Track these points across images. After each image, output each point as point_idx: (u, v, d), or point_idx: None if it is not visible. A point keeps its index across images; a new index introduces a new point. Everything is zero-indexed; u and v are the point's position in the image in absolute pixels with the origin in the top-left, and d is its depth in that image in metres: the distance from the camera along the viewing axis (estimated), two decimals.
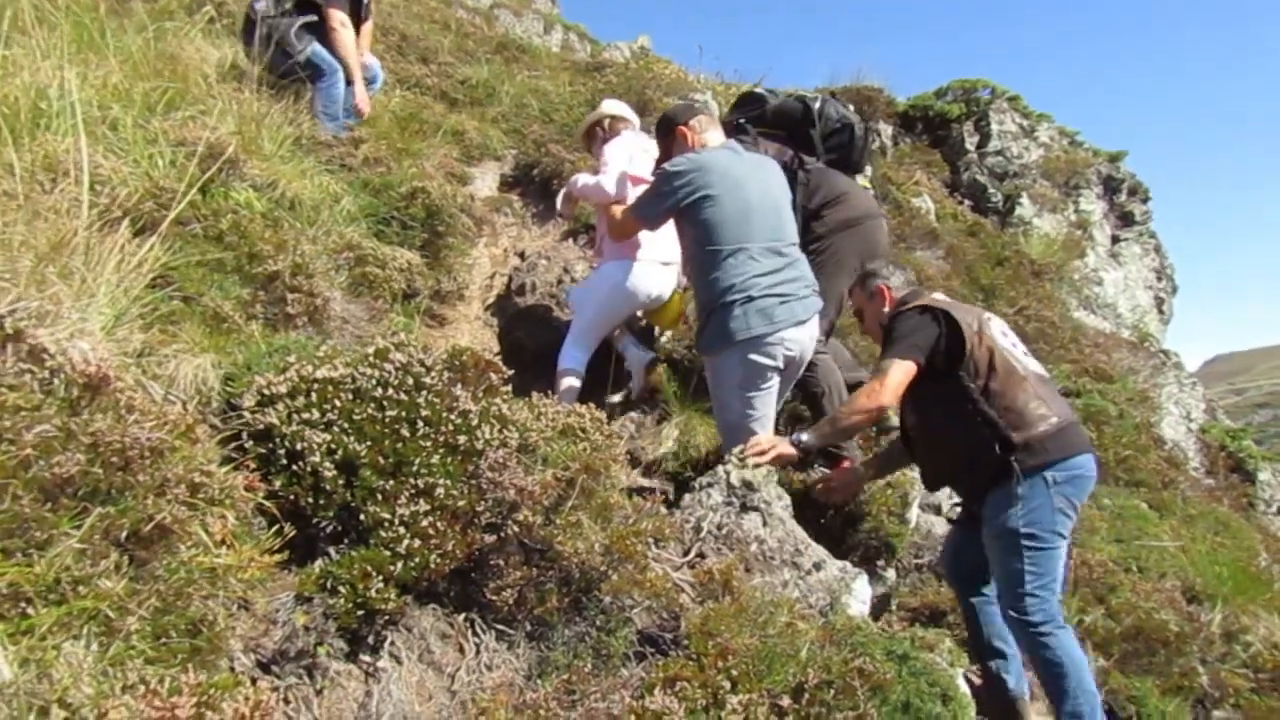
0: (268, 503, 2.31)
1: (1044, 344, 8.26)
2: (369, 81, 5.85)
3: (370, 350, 2.63)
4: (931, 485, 3.70)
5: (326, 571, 2.26)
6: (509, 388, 2.86)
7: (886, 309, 3.58)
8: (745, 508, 3.03)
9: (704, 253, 3.56)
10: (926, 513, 4.38)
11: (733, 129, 4.54)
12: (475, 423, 2.54)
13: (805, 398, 4.21)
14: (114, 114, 3.52)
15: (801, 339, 3.58)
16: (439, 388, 2.58)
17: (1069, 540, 3.24)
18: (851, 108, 4.77)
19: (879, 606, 3.86)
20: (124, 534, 1.88)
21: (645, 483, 4.05)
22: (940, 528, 4.30)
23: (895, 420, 3.82)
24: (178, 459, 2.05)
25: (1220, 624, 4.35)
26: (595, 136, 4.81)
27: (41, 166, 2.87)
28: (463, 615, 2.45)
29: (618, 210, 4.05)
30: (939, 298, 3.52)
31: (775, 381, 3.58)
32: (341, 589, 2.21)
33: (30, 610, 1.67)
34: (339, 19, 5.42)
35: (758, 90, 4.74)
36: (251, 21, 5.16)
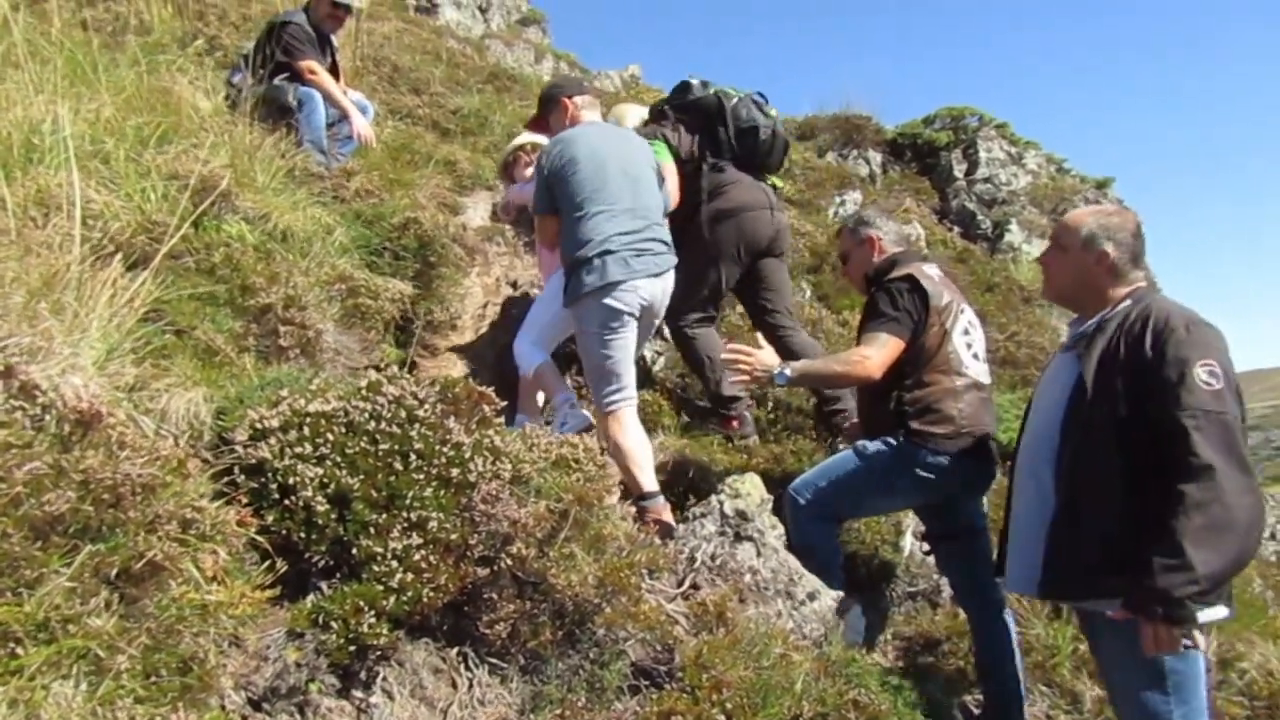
0: (260, 538, 2.30)
1: (1035, 369, 8.28)
2: (360, 111, 5.92)
3: (363, 383, 2.64)
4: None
5: (318, 607, 2.25)
6: (501, 419, 2.86)
7: (875, 259, 3.65)
8: (739, 537, 3.03)
9: (569, 215, 3.75)
10: (921, 540, 4.37)
11: (658, 113, 4.81)
12: (468, 455, 2.54)
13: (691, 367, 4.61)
14: (107, 148, 3.53)
15: (654, 290, 3.74)
16: (432, 420, 2.58)
17: (893, 507, 3.65)
18: (776, 112, 4.84)
19: (873, 636, 3.85)
20: (114, 571, 1.87)
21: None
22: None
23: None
24: (169, 495, 2.05)
25: (1215, 651, 4.34)
26: (519, 162, 5.10)
27: (34, 201, 2.88)
28: (455, 649, 2.43)
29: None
30: (929, 271, 3.53)
31: (632, 326, 3.70)
32: (333, 624, 2.19)
33: (19, 650, 1.66)
34: (309, 67, 5.58)
35: (691, 80, 4.86)
36: (236, 89, 5.23)
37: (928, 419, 3.31)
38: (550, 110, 4.17)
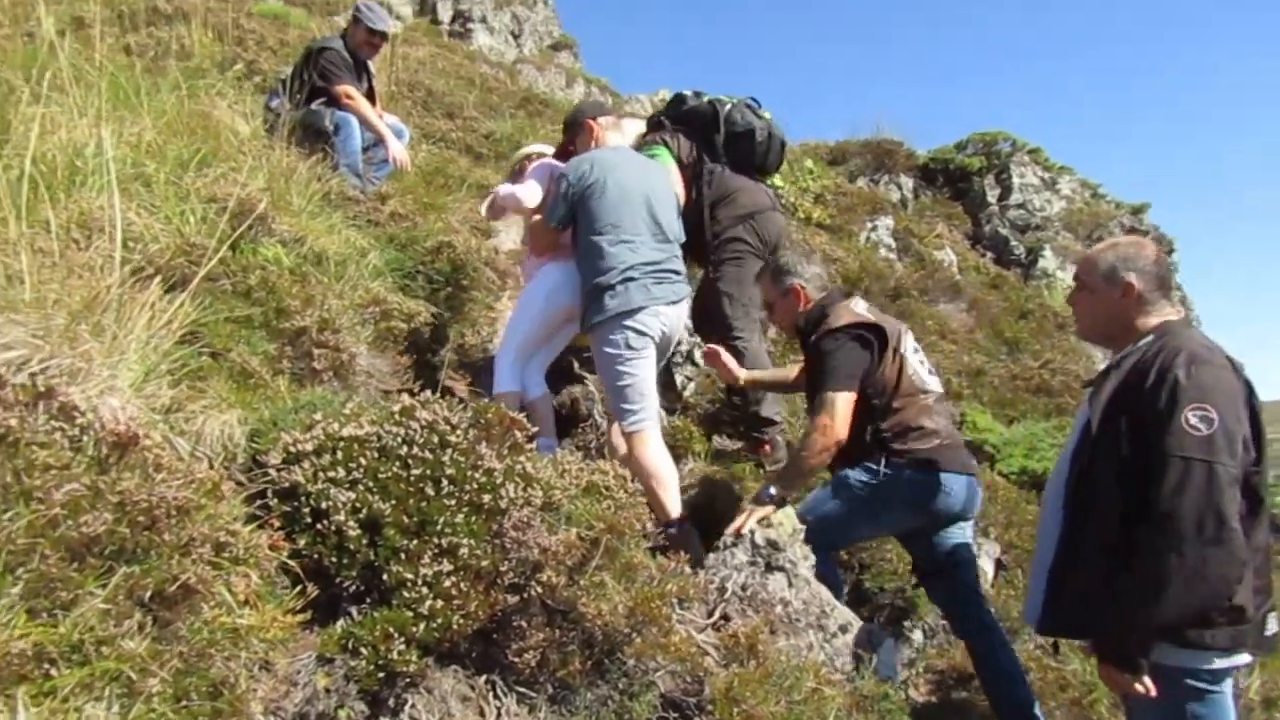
0: (291, 562, 2.30)
1: (1069, 397, 8.19)
2: (396, 135, 5.99)
3: (396, 408, 2.64)
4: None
5: (348, 632, 2.24)
6: (533, 445, 2.85)
7: (801, 308, 3.66)
8: (770, 568, 3.00)
9: (590, 240, 3.80)
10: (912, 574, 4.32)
11: (655, 123, 5.03)
12: (499, 481, 2.53)
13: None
14: (148, 171, 3.58)
15: (671, 317, 3.81)
16: (464, 445, 2.58)
17: (879, 533, 3.61)
18: (767, 115, 4.98)
19: (906, 669, 3.79)
20: (148, 594, 1.87)
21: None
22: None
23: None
24: (203, 517, 2.05)
25: (1259, 690, 4.24)
26: (524, 171, 5.08)
27: (76, 223, 2.91)
28: (484, 677, 2.41)
29: (536, 221, 4.23)
30: (860, 310, 3.54)
31: (653, 349, 3.76)
32: (363, 650, 2.18)
33: (54, 671, 1.66)
34: (345, 92, 5.66)
35: (685, 93, 5.02)
36: (275, 114, 5.31)
37: (909, 439, 3.36)
38: (576, 133, 4.28)
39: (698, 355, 5.68)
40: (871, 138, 12.81)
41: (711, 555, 3.08)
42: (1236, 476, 2.31)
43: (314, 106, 5.51)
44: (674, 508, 3.49)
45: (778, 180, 9.25)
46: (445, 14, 16.08)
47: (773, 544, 3.03)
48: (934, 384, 3.54)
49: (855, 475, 3.40)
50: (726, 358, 4.03)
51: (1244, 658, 2.45)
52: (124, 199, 3.07)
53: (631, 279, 3.69)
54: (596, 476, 2.87)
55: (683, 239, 4.10)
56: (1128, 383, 2.56)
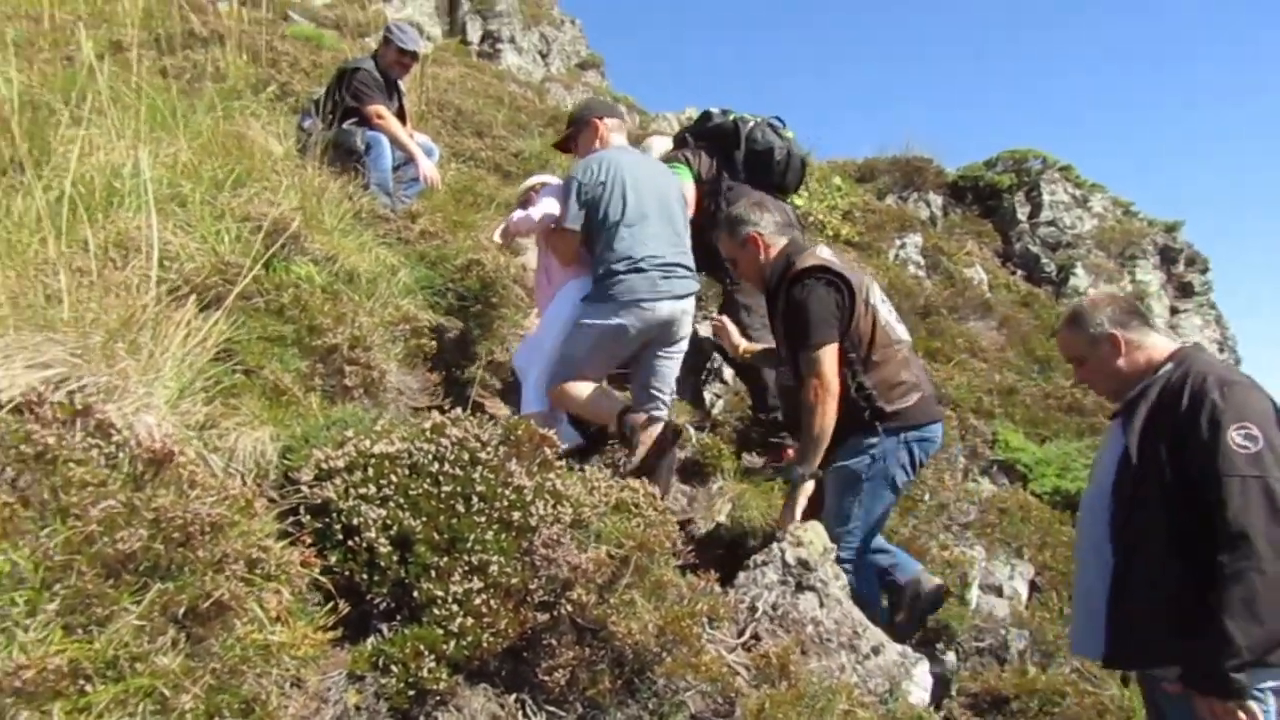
0: (322, 578, 2.31)
1: (1103, 416, 8.08)
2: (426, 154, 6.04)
3: (427, 425, 2.64)
4: (794, 433, 4.00)
5: (379, 650, 2.24)
6: (563, 462, 2.85)
7: (763, 258, 3.63)
8: (801, 587, 2.97)
9: (601, 233, 3.84)
10: (987, 594, 4.27)
11: (680, 140, 5.15)
12: (529, 498, 2.52)
13: None
14: (183, 191, 3.63)
15: (675, 310, 3.83)
16: (494, 463, 2.58)
17: (896, 497, 3.59)
18: (792, 134, 5.05)
19: (939, 692, 3.73)
20: (182, 610, 1.88)
21: None
22: (1002, 609, 4.17)
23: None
24: (236, 534, 2.06)
25: None
26: (530, 201, 5.08)
27: (114, 243, 2.96)
28: (514, 696, 2.40)
29: (555, 230, 4.20)
30: (825, 255, 3.51)
31: (631, 349, 3.87)
32: (394, 668, 2.18)
33: (89, 687, 1.67)
34: (376, 111, 5.72)
35: (713, 110, 5.11)
36: (307, 133, 5.37)
37: (895, 395, 3.39)
38: (580, 130, 4.29)
39: (727, 373, 5.67)
40: (900, 155, 12.77)
41: (742, 574, 3.06)
42: None
43: (345, 126, 5.57)
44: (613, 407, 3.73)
45: (800, 200, 9.26)
46: (474, 34, 16.27)
47: (803, 563, 3.00)
48: (904, 333, 3.58)
49: (853, 463, 3.41)
50: (731, 328, 4.12)
51: None
52: (160, 219, 3.11)
53: (640, 270, 3.73)
54: (626, 494, 2.86)
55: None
56: (1161, 406, 2.58)
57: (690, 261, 3.97)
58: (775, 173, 4.94)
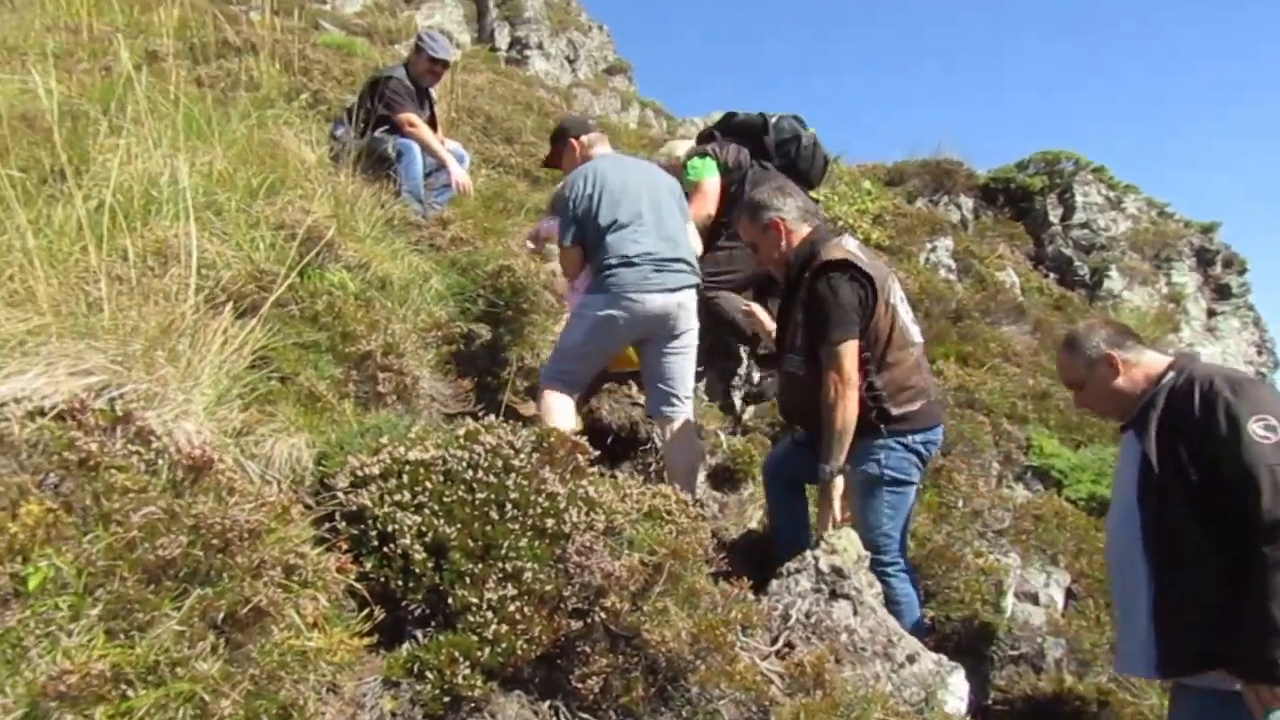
0: (358, 584, 2.32)
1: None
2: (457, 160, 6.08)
3: (461, 432, 2.65)
4: (789, 419, 3.96)
5: (414, 656, 2.25)
6: (595, 468, 2.85)
7: (784, 244, 3.59)
8: (835, 595, 2.95)
9: (597, 236, 3.88)
10: (1023, 601, 4.22)
11: (705, 136, 5.28)
12: (563, 505, 2.53)
13: None
14: (219, 199, 3.67)
15: (669, 304, 3.84)
16: (527, 469, 2.58)
17: (916, 485, 3.56)
18: (812, 130, 5.22)
19: (975, 701, 3.69)
20: (221, 616, 1.90)
21: None
22: (1038, 617, 4.12)
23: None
24: (274, 540, 2.08)
25: None
26: None
27: (153, 251, 3.00)
28: (547, 702, 2.40)
29: (560, 250, 4.27)
30: (851, 248, 3.49)
31: (620, 342, 3.93)
32: (429, 674, 2.19)
33: (130, 692, 1.69)
34: (408, 119, 5.77)
35: (735, 111, 5.29)
36: (340, 141, 5.42)
37: (903, 398, 3.38)
38: (562, 150, 4.41)
39: (756, 376, 5.65)
40: (930, 158, 12.67)
41: (775, 582, 3.04)
42: None
43: (377, 134, 5.61)
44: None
45: (829, 203, 9.26)
46: (503, 41, 16.36)
47: (837, 570, 2.98)
48: (918, 336, 3.57)
49: (866, 467, 3.41)
50: (761, 313, 4.16)
51: None
52: (197, 227, 3.15)
53: (631, 264, 3.77)
54: (658, 501, 2.86)
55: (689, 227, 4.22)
56: (1172, 410, 2.64)
57: (689, 255, 4.01)
58: (803, 159, 5.10)
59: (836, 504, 3.43)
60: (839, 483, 3.44)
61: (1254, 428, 2.43)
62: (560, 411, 3.79)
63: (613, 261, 3.79)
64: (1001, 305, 9.13)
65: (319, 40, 10.03)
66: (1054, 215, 11.89)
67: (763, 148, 5.06)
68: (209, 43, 6.23)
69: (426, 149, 5.77)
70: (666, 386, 3.95)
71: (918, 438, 3.42)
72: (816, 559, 3.04)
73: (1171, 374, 2.72)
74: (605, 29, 19.12)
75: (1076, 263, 11.24)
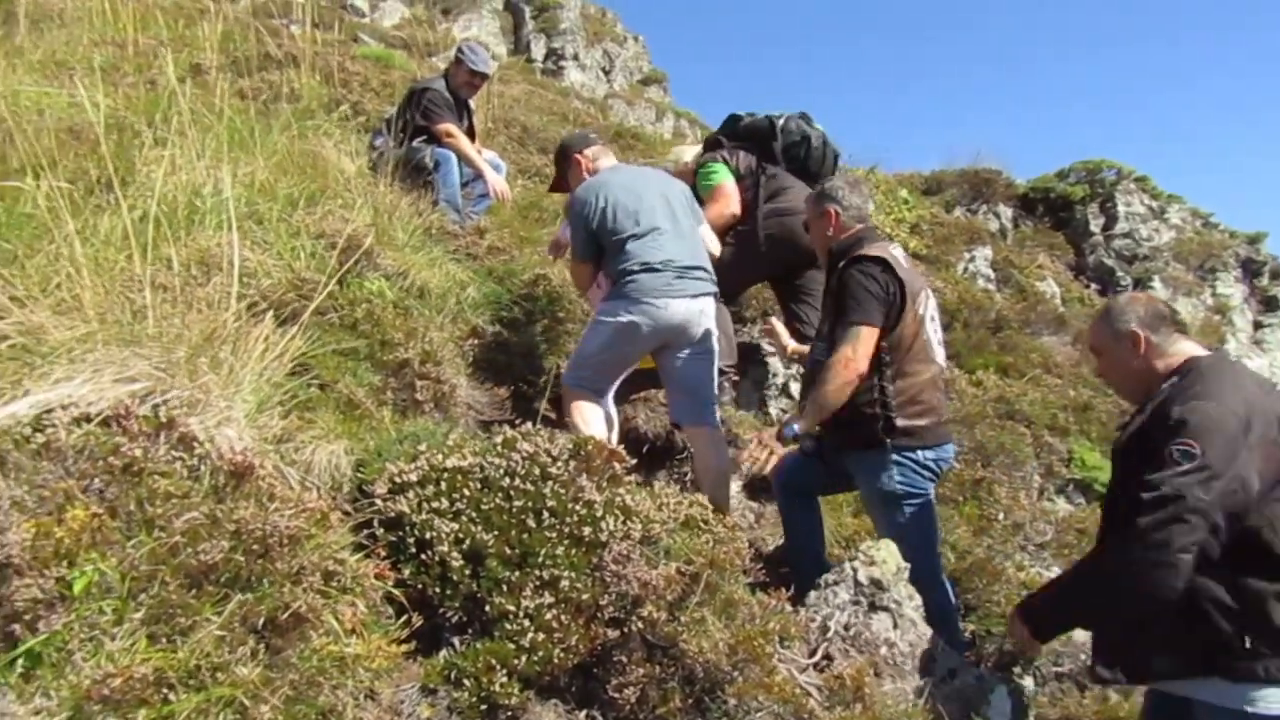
0: (396, 591, 2.33)
1: None
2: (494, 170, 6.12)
3: (498, 439, 2.66)
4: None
5: (451, 663, 2.25)
6: (632, 477, 2.84)
7: (830, 233, 3.62)
8: (874, 607, 2.91)
9: (614, 244, 3.84)
10: None
11: (713, 143, 5.25)
12: (599, 514, 2.52)
13: None
14: (260, 209, 3.72)
15: (690, 311, 3.80)
16: (564, 478, 2.58)
17: (930, 497, 3.49)
18: (820, 128, 5.19)
19: (1017, 717, 3.63)
20: (261, 621, 1.91)
21: None
22: (1080, 634, 4.03)
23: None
24: (313, 546, 2.09)
25: None
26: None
27: (196, 260, 3.04)
28: (584, 712, 2.39)
29: (572, 263, 4.27)
30: (896, 253, 3.48)
31: (643, 347, 3.85)
32: (466, 682, 2.19)
33: (172, 696, 1.70)
34: (446, 130, 5.81)
35: (740, 114, 5.26)
36: (379, 152, 5.47)
37: (911, 411, 3.33)
38: (567, 168, 4.36)
39: (794, 388, 5.61)
40: (969, 166, 12.55)
41: (812, 593, 3.01)
42: (1205, 511, 2.28)
43: (415, 144, 5.66)
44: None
45: (870, 212, 9.19)
46: (539, 52, 16.47)
47: (876, 582, 2.94)
48: (941, 358, 3.53)
49: (880, 483, 3.38)
50: (780, 330, 4.15)
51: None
52: (239, 236, 3.18)
53: (654, 270, 3.75)
54: (695, 510, 2.85)
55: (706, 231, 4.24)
56: (1147, 424, 2.56)
57: (706, 264, 4.00)
58: (813, 159, 5.09)
59: (770, 462, 3.40)
60: (789, 448, 3.49)
61: (1173, 449, 2.37)
62: (591, 417, 3.77)
63: (634, 268, 3.76)
64: (1042, 316, 9.00)
65: (357, 53, 10.15)
66: (1095, 225, 11.72)
67: (770, 152, 5.06)
68: (251, 56, 6.33)
69: (464, 158, 5.81)
70: (692, 394, 3.93)
71: (928, 454, 3.37)
72: (855, 570, 3.00)
73: (1175, 378, 2.60)
74: (641, 39, 19.19)
75: (1119, 273, 11.07)
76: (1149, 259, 11.13)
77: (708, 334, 3.90)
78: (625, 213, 3.84)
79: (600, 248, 3.91)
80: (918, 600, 3.02)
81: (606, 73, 17.16)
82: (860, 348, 3.27)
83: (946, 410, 3.54)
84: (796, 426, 3.38)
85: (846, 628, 2.85)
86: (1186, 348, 2.69)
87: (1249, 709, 2.31)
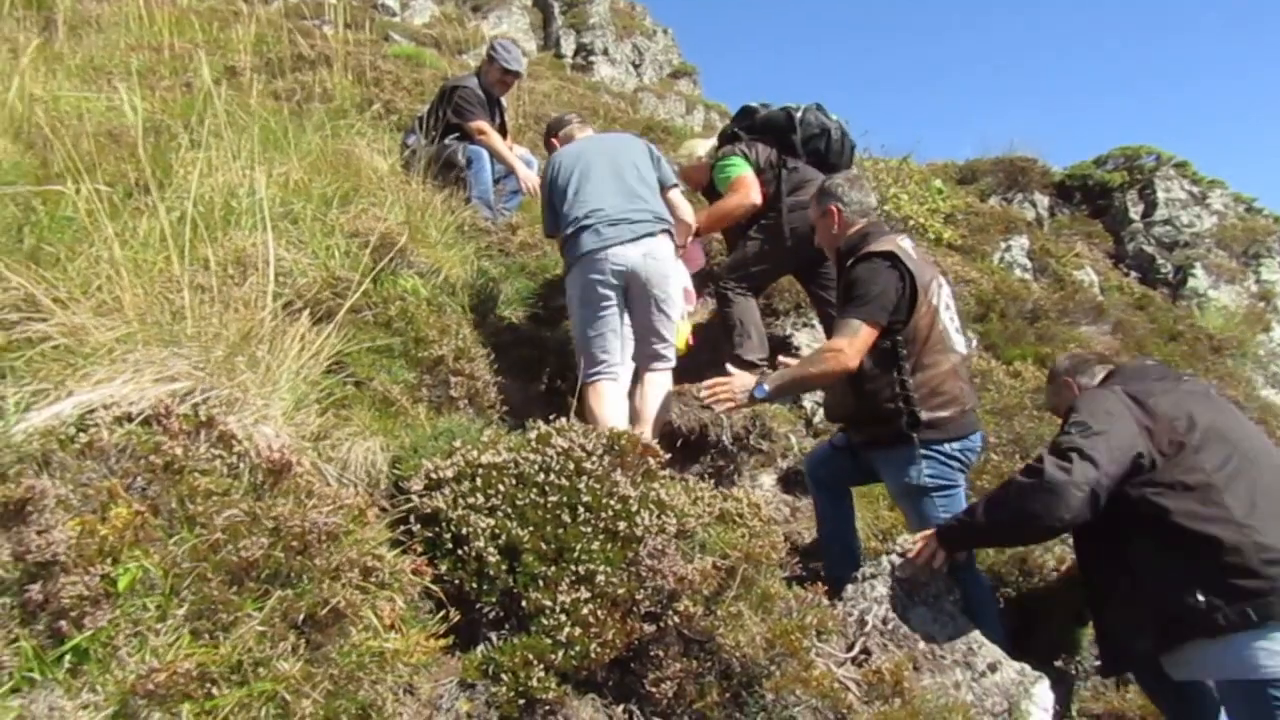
0: (433, 586, 2.34)
1: None
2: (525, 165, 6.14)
3: (533, 435, 2.66)
4: (831, 417, 3.86)
5: (488, 658, 2.26)
6: (666, 471, 2.83)
7: (835, 231, 3.59)
8: (912, 601, 2.88)
9: (560, 209, 3.95)
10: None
11: (729, 136, 5.22)
12: (634, 508, 2.52)
13: None
14: (295, 209, 3.75)
15: (632, 255, 3.80)
16: (599, 472, 2.58)
17: (962, 487, 3.47)
18: (836, 118, 5.15)
19: (1060, 712, 3.58)
20: (301, 617, 1.93)
21: None
22: None
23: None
24: (351, 543, 2.11)
25: None
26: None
27: (232, 260, 3.07)
28: (621, 706, 2.39)
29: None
30: (904, 245, 3.43)
31: (614, 301, 3.83)
32: (504, 676, 2.20)
33: (214, 691, 1.73)
34: (478, 127, 5.84)
35: (753, 105, 5.22)
36: (411, 150, 5.50)
37: (935, 403, 3.28)
38: (549, 153, 4.55)
39: None
40: (1003, 155, 12.39)
41: (850, 586, 2.98)
42: (1080, 484, 2.60)
43: (447, 141, 5.69)
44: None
45: (905, 202, 9.11)
46: (568, 48, 16.47)
47: (915, 576, 2.92)
48: (961, 345, 3.49)
49: (908, 478, 3.33)
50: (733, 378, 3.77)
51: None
52: (275, 236, 3.21)
53: (585, 226, 3.80)
54: (730, 504, 2.84)
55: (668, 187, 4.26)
56: None
57: (648, 207, 3.98)
58: (831, 151, 5.07)
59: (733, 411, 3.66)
60: (751, 406, 3.57)
61: (1070, 423, 2.81)
62: (609, 400, 3.78)
63: (569, 230, 3.84)
64: (1080, 305, 8.87)
65: (389, 52, 10.21)
66: (1134, 212, 11.53)
67: (790, 145, 5.03)
68: (284, 57, 6.39)
69: (496, 155, 5.83)
70: (651, 339, 3.95)
71: (954, 446, 3.33)
72: (893, 564, 2.98)
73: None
74: (670, 33, 19.12)
75: (1159, 260, 10.88)
76: (1190, 245, 10.92)
77: (664, 276, 3.91)
78: (566, 176, 3.95)
79: (555, 216, 4.00)
80: (956, 594, 2.99)
81: (636, 67, 17.12)
82: (854, 343, 3.23)
83: (972, 399, 3.48)
84: (767, 387, 3.34)
85: (884, 621, 2.82)
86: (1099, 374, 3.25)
87: (1252, 676, 2.49)
